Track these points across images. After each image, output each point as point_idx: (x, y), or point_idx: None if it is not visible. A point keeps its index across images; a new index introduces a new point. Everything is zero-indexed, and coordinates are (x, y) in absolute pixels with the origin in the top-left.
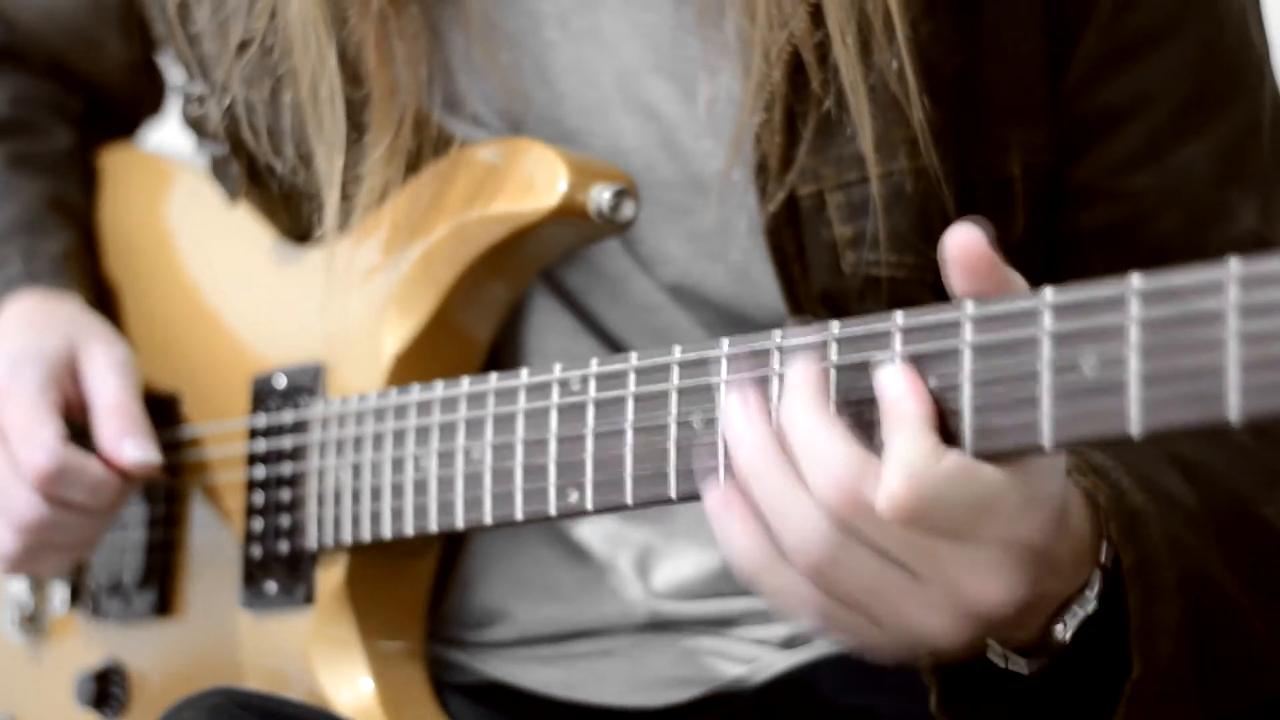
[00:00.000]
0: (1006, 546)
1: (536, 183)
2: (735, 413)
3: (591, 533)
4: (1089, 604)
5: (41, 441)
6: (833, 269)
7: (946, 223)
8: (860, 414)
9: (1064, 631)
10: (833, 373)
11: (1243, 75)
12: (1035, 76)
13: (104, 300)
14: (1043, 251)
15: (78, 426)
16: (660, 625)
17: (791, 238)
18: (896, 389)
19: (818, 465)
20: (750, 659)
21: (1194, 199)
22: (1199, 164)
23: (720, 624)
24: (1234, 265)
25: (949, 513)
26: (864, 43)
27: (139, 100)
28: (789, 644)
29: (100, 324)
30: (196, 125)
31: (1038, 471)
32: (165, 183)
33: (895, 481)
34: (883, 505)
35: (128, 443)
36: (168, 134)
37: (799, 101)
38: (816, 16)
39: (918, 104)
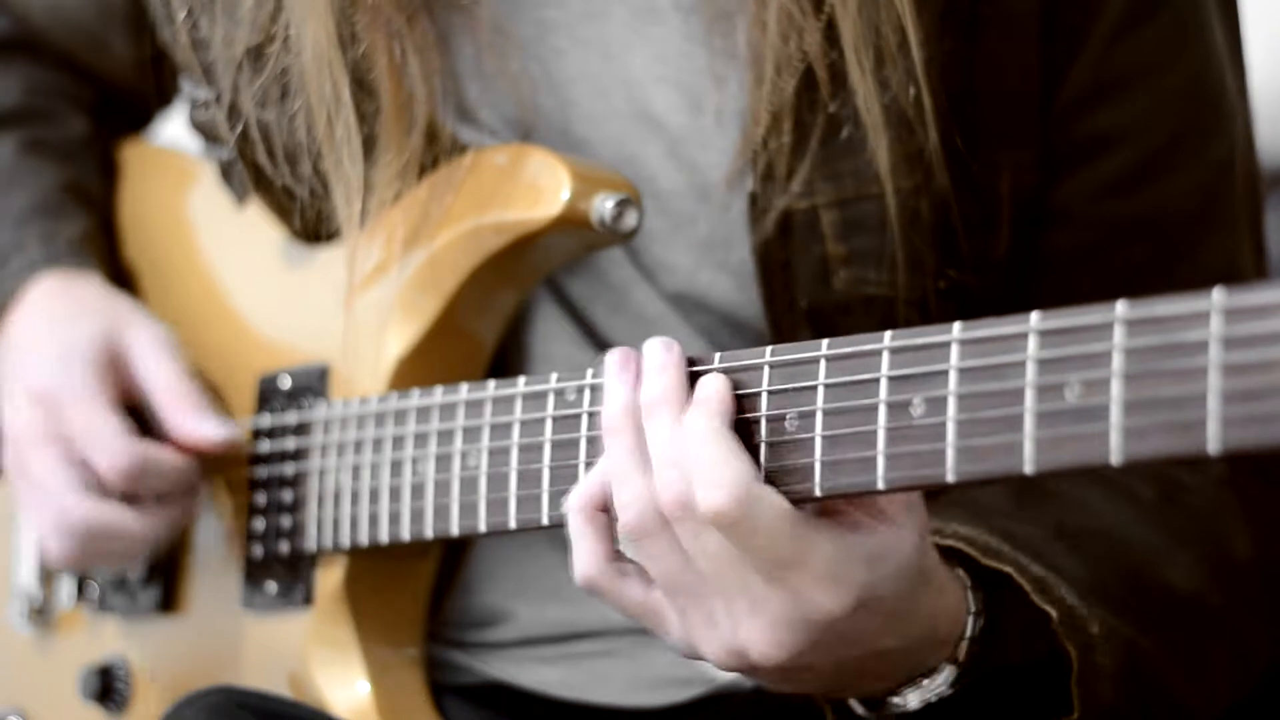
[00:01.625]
0: (797, 605)
1: (540, 190)
2: (613, 368)
3: None
4: (939, 688)
5: (111, 441)
6: (820, 284)
7: (951, 241)
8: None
9: (903, 704)
10: (821, 390)
11: (1222, 112)
12: (1028, 98)
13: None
14: (1024, 269)
15: (135, 417)
16: None
17: (780, 250)
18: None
19: (663, 463)
20: None
21: (1167, 232)
22: (1175, 198)
23: None
24: (1217, 296)
25: (756, 538)
26: (878, 61)
27: (149, 94)
28: None
29: (129, 302)
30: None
31: (855, 556)
32: (184, 180)
33: (721, 489)
34: (702, 502)
35: (205, 423)
36: (178, 129)
37: (808, 114)
38: (830, 32)
39: (931, 124)
